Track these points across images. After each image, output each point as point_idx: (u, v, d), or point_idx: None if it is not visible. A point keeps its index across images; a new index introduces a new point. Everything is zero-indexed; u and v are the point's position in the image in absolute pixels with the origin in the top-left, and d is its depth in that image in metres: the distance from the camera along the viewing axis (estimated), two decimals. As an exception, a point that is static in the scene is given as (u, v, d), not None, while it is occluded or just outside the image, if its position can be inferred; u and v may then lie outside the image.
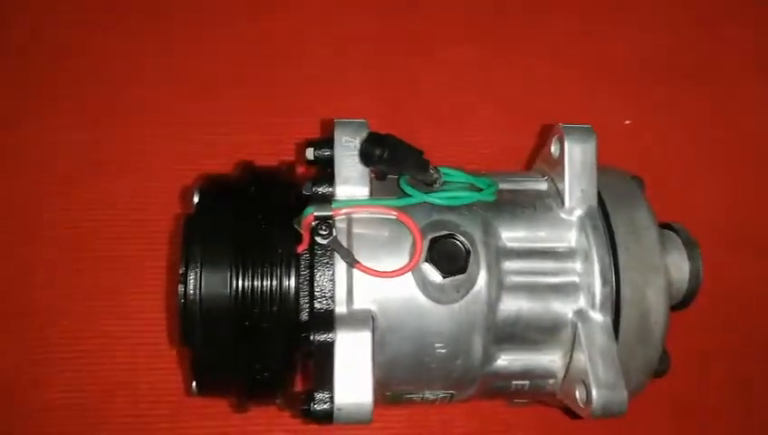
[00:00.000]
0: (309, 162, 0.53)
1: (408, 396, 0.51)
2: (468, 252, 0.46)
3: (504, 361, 0.50)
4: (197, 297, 0.46)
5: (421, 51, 0.77)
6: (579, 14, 0.80)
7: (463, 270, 0.46)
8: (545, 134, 0.64)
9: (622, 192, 0.52)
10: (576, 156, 0.51)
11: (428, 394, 0.51)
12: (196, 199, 0.50)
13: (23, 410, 0.63)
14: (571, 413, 0.51)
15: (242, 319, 0.47)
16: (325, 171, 0.50)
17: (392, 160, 0.46)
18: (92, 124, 0.71)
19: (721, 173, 0.76)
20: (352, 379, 0.44)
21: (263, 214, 0.49)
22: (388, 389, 0.50)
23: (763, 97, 0.79)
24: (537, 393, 0.53)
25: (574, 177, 0.51)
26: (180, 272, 0.47)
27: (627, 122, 0.76)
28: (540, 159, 0.56)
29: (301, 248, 0.47)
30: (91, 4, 0.76)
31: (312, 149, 0.52)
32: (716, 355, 0.69)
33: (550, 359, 0.50)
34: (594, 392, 0.46)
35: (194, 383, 0.50)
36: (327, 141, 0.52)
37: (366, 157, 0.46)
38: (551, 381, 0.52)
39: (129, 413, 0.63)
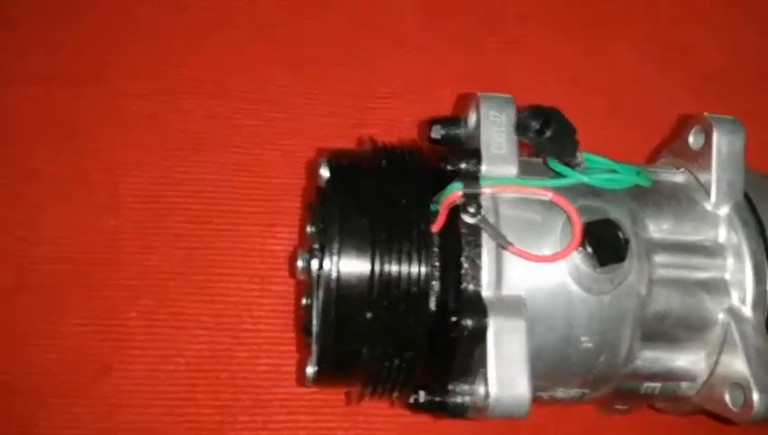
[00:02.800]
0: (433, 141, 0.50)
1: (539, 394, 0.48)
2: (627, 241, 0.44)
3: (646, 360, 0.47)
4: (336, 279, 0.43)
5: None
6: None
7: (622, 259, 0.43)
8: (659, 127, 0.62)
9: (765, 185, 0.51)
10: (724, 148, 0.48)
11: (560, 392, 0.48)
12: (325, 174, 0.46)
13: (94, 394, 0.58)
14: (711, 415, 0.49)
15: (380, 302, 0.43)
16: (460, 149, 0.47)
17: (555, 136, 0.43)
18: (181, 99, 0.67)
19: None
20: (508, 369, 0.41)
21: (399, 191, 0.45)
22: (525, 384, 0.47)
23: None
24: (666, 397, 0.50)
25: (722, 169, 0.48)
26: (316, 251, 0.44)
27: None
28: (669, 151, 0.54)
29: (436, 228, 0.44)
30: None
31: (438, 126, 0.49)
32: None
33: (692, 360, 0.47)
34: (756, 396, 0.43)
35: (312, 370, 0.46)
36: (454, 119, 0.49)
37: (525, 129, 0.43)
38: (684, 384, 0.49)
39: (211, 403, 0.59)
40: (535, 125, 0.43)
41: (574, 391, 0.48)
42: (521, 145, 0.47)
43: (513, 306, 0.43)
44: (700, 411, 0.51)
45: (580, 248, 0.43)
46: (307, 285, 0.50)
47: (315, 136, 0.66)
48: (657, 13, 0.78)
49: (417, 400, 0.45)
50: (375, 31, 0.72)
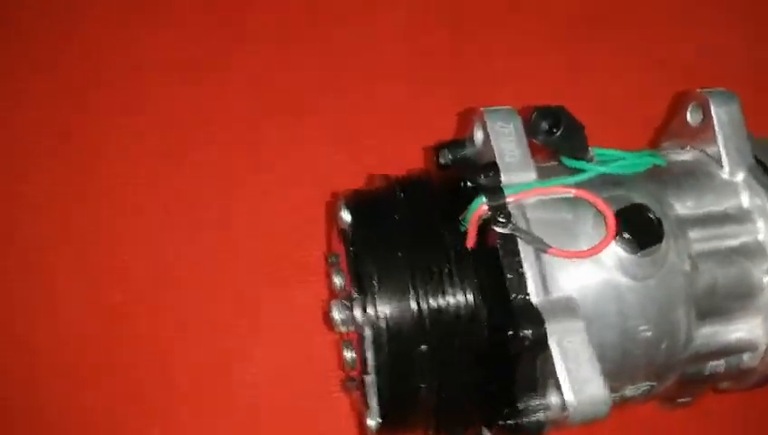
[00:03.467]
0: (442, 167, 0.50)
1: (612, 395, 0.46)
2: (660, 220, 0.43)
3: (705, 338, 0.46)
4: (383, 318, 0.41)
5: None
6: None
7: (660, 239, 0.43)
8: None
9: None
10: (724, 117, 0.49)
11: (629, 390, 0.46)
12: (346, 217, 0.46)
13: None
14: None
15: (432, 332, 0.42)
16: (476, 165, 0.47)
17: (565, 134, 0.44)
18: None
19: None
20: (579, 371, 0.39)
21: (424, 218, 0.45)
22: (590, 390, 0.45)
23: None
24: (731, 373, 0.49)
25: (727, 137, 0.49)
26: (354, 299, 0.43)
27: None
28: (669, 135, 0.54)
29: (470, 244, 0.44)
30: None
31: (445, 150, 0.49)
32: None
33: (748, 328, 0.47)
34: (824, 346, 0.42)
35: (373, 421, 0.44)
36: (459, 141, 0.50)
37: (536, 132, 0.44)
38: (746, 356, 0.48)
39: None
40: (545, 125, 0.44)
41: (642, 386, 0.46)
42: (531, 150, 0.47)
43: (567, 308, 0.42)
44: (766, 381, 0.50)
45: (618, 237, 0.43)
46: (348, 337, 0.49)
47: (318, 183, 0.66)
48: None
49: (492, 427, 0.43)
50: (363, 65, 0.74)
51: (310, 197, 0.66)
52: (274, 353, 0.62)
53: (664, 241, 0.44)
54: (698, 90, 0.51)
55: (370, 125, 0.71)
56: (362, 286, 0.42)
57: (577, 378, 0.39)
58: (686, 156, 0.52)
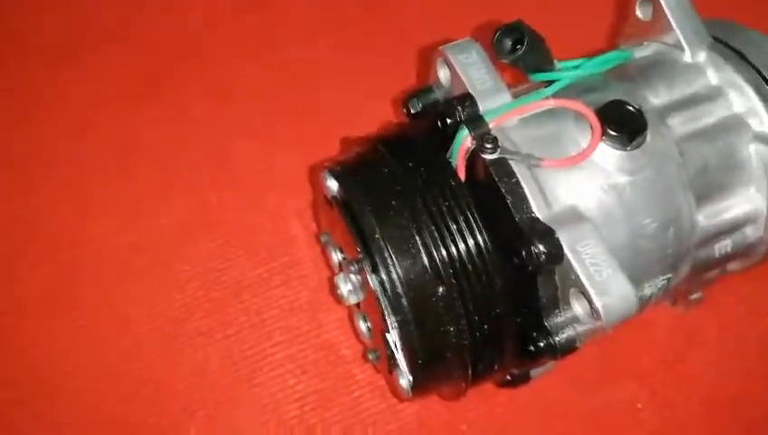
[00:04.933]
0: (414, 115, 0.49)
1: (628, 298, 0.46)
2: (640, 109, 0.43)
3: (708, 218, 0.46)
4: (395, 270, 0.40)
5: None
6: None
7: (644, 127, 0.43)
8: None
9: (724, 24, 0.52)
10: (672, 3, 0.50)
11: (648, 288, 0.46)
12: (332, 184, 0.45)
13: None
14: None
15: (446, 272, 0.41)
16: (451, 101, 0.46)
17: (530, 48, 0.43)
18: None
19: None
20: (599, 273, 0.39)
21: (411, 164, 0.44)
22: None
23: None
24: (740, 251, 0.49)
25: (682, 22, 0.49)
26: (361, 258, 0.41)
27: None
28: (625, 36, 0.54)
29: (464, 177, 0.43)
30: None
31: (415, 100, 0.49)
32: None
33: (746, 199, 0.47)
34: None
35: (406, 380, 0.43)
36: (426, 88, 0.49)
37: (502, 51, 0.43)
38: (750, 229, 0.48)
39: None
40: (509, 42, 0.43)
41: (660, 281, 0.46)
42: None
43: (573, 216, 0.41)
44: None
45: (605, 136, 0.43)
46: (360, 307, 0.47)
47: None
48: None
49: (525, 353, 0.42)
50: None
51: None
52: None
53: (649, 130, 0.44)
54: (646, -16, 0.51)
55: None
56: (366, 244, 0.41)
57: (600, 280, 0.39)
58: (648, 50, 0.52)
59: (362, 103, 0.68)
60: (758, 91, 0.47)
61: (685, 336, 0.60)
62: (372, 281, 0.41)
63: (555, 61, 0.47)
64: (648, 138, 0.44)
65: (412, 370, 0.42)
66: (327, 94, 0.70)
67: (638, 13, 0.52)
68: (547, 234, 0.40)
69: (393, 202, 0.42)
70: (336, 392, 0.57)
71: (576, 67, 0.47)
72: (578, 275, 0.39)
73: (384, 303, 0.41)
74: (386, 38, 0.74)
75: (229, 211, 0.64)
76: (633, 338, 0.58)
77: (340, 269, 0.50)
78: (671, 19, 0.50)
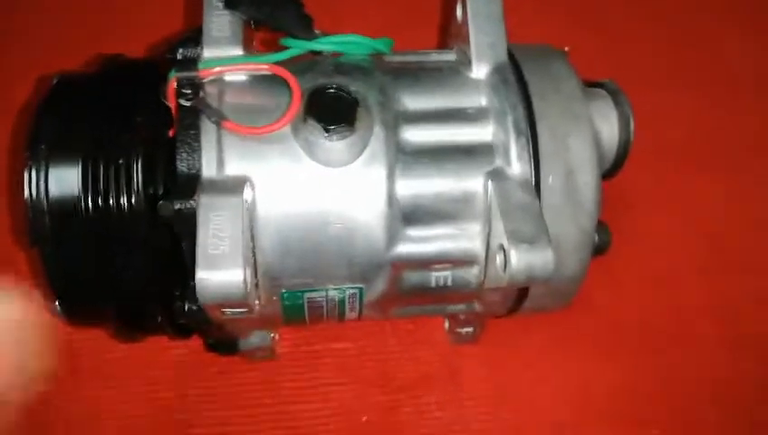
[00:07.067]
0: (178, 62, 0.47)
1: (310, 294, 0.43)
2: (355, 102, 0.40)
3: (415, 241, 0.42)
4: (44, 196, 0.40)
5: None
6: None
7: (349, 121, 0.39)
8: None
9: (537, 51, 0.47)
10: (481, 9, 0.45)
11: (333, 291, 0.43)
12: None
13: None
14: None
15: (94, 198, 0.40)
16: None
17: (259, 1, 0.41)
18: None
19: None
20: (218, 247, 0.37)
21: (122, 95, 0.43)
22: (283, 283, 0.42)
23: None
24: (463, 291, 0.45)
25: (479, 30, 0.45)
26: (24, 169, 0.41)
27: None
28: (451, 37, 0.50)
29: (173, 129, 0.41)
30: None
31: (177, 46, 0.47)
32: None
33: (468, 235, 0.43)
34: (512, 250, 0.38)
35: (56, 303, 0.43)
36: (193, 36, 0.46)
37: (237, 3, 0.41)
38: (474, 270, 0.44)
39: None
40: (243, -5, 0.41)
41: (348, 287, 0.43)
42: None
43: (236, 185, 0.39)
44: (519, 304, 0.46)
45: (308, 119, 0.40)
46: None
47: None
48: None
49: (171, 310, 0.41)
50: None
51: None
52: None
53: (362, 127, 0.41)
54: (462, -18, 0.47)
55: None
56: (32, 148, 0.40)
57: (212, 253, 0.37)
58: (449, 56, 0.48)
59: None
60: (515, 126, 0.42)
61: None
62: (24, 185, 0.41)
63: (320, 32, 0.44)
64: (362, 134, 0.40)
65: (55, 289, 0.42)
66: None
67: (458, 10, 0.48)
68: (188, 193, 0.38)
69: (76, 135, 0.41)
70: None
71: (330, 43, 0.44)
72: (197, 241, 0.37)
73: (29, 213, 0.41)
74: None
75: None
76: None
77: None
78: (471, 26, 0.45)
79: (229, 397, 0.55)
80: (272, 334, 0.52)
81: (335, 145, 0.40)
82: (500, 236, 0.40)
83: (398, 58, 0.47)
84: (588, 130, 0.42)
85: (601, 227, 0.44)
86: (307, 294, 0.44)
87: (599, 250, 0.45)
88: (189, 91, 0.40)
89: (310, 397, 0.56)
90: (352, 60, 0.45)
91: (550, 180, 0.41)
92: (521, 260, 0.38)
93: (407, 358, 0.58)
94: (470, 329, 0.54)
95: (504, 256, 0.39)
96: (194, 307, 0.41)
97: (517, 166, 0.41)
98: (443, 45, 0.53)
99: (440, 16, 0.67)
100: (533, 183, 0.41)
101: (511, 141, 0.42)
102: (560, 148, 0.42)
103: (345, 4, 0.71)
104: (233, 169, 0.40)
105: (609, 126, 0.45)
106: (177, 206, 0.38)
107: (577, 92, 0.44)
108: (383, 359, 0.58)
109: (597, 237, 0.44)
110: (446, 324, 0.58)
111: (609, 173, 0.47)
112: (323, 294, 0.44)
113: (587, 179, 0.43)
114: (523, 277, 0.38)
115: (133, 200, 0.40)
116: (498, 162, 0.42)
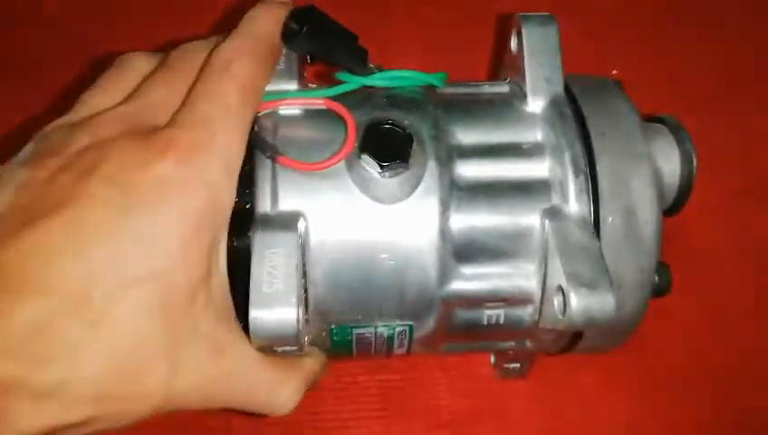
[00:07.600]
0: None
1: (358, 330, 0.43)
2: (410, 137, 0.40)
3: (468, 278, 0.41)
4: None
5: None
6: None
7: (403, 157, 0.39)
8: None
9: (594, 84, 0.46)
10: (536, 42, 0.44)
11: (382, 327, 0.43)
12: None
13: None
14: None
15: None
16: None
17: (317, 37, 0.40)
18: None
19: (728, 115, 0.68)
20: (272, 284, 0.36)
21: None
22: (332, 318, 0.42)
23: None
24: (516, 330, 0.44)
25: (535, 64, 0.44)
26: None
27: (614, 72, 0.70)
28: (505, 68, 0.49)
29: None
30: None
31: None
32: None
33: (523, 273, 0.42)
34: (572, 293, 0.37)
35: None
36: None
37: (286, 35, 0.41)
38: (529, 309, 0.43)
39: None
40: (295, 26, 0.41)
41: (398, 324, 0.43)
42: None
43: (288, 221, 0.39)
44: (573, 344, 0.45)
45: (363, 155, 0.40)
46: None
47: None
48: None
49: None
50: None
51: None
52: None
53: (422, 165, 0.40)
54: (518, 14, 0.46)
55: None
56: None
57: (266, 291, 0.36)
58: (503, 88, 0.47)
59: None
60: (573, 163, 0.41)
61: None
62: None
63: (376, 66, 0.44)
64: (415, 170, 0.40)
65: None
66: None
67: (512, 42, 0.47)
68: (242, 228, 0.38)
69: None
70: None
71: (385, 79, 0.43)
72: (251, 277, 0.37)
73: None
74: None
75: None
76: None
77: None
78: (526, 56, 0.44)
79: (269, 428, 0.55)
80: (317, 366, 0.51)
81: (389, 181, 0.40)
82: (558, 278, 0.39)
83: (450, 90, 0.47)
84: (649, 171, 0.41)
85: (662, 267, 0.43)
86: (356, 330, 0.43)
87: (658, 291, 0.43)
88: (244, 126, 0.41)
89: (352, 430, 0.55)
90: (405, 92, 0.44)
91: (609, 220, 0.40)
92: (580, 303, 0.37)
93: (452, 392, 0.57)
94: (517, 365, 0.53)
95: (564, 298, 0.38)
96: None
97: (575, 205, 0.40)
98: (494, 76, 0.52)
99: (491, 44, 0.66)
100: (592, 222, 0.40)
101: (569, 179, 0.41)
102: (620, 188, 0.40)
103: (389, 30, 0.72)
104: (287, 204, 0.40)
105: (670, 165, 0.44)
106: (234, 242, 0.38)
107: (637, 129, 0.42)
108: (428, 392, 0.57)
109: (657, 278, 0.43)
110: (492, 358, 0.57)
111: (671, 212, 0.45)
112: (372, 330, 0.43)
113: (647, 218, 0.41)
114: (581, 320, 0.37)
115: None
116: (555, 200, 0.41)
